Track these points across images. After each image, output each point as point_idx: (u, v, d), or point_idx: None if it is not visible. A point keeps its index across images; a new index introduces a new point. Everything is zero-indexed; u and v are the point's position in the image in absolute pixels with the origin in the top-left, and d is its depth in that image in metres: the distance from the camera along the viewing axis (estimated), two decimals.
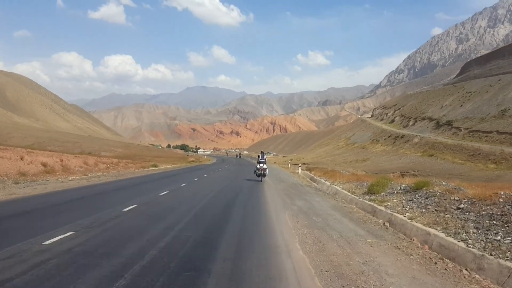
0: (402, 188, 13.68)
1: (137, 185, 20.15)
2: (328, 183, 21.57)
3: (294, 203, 14.01)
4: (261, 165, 24.52)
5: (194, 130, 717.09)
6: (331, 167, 72.65)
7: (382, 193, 13.87)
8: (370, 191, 14.65)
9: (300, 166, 37.03)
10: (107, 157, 48.32)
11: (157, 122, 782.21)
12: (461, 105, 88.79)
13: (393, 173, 59.35)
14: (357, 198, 14.42)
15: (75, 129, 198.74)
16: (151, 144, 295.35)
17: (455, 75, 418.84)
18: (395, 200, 12.21)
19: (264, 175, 24.59)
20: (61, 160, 24.78)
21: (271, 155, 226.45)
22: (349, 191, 16.84)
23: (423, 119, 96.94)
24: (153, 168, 35.24)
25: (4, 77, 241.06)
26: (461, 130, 75.70)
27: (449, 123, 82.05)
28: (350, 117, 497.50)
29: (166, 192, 16.14)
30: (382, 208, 11.44)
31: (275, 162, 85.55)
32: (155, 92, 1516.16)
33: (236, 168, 47.42)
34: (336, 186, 19.35)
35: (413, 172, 56.95)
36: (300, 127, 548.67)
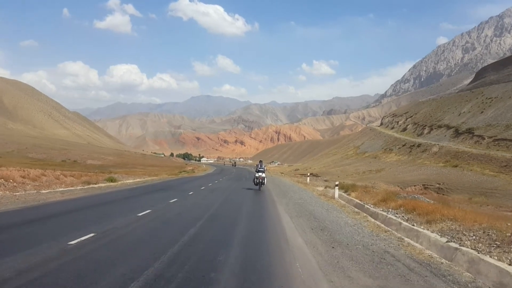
0: None
1: None
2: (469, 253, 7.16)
3: None
4: (260, 174, 24.32)
5: (198, 139, 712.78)
6: (342, 178, 66.05)
7: None
8: None
9: (337, 186, 20.90)
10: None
11: (162, 131, 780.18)
12: (481, 112, 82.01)
13: (414, 186, 52.72)
14: None
15: (73, 137, 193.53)
16: (154, 153, 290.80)
17: (461, 84, 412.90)
18: None
19: (262, 183, 24.46)
20: None
21: (276, 164, 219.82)
22: None
23: (440, 126, 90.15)
24: (99, 185, 21.75)
25: (3, 84, 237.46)
26: (484, 139, 68.87)
27: (470, 131, 75.24)
28: (356, 127, 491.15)
29: None
30: None
31: (282, 173, 72.07)
32: (160, 101, 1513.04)
33: (231, 185, 30.56)
34: None
35: (438, 185, 50.23)
36: (305, 136, 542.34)
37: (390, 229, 10.68)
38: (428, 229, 9.50)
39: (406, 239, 9.44)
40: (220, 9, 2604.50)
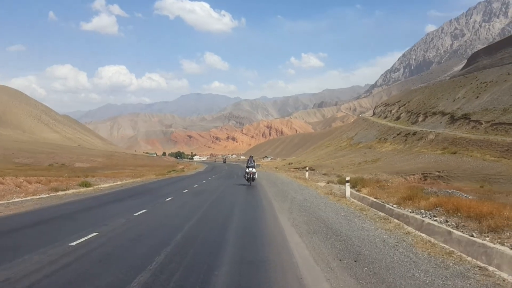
0: None
1: None
2: None
3: None
4: (250, 169, 24.70)
5: (190, 137, 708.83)
6: (337, 170, 64.35)
7: None
8: None
9: (348, 183, 16.92)
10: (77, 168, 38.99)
11: (153, 131, 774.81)
12: (477, 97, 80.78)
13: (413, 175, 51.15)
14: None
15: (64, 140, 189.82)
16: (146, 153, 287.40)
17: (452, 71, 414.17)
18: None
19: (253, 179, 24.62)
20: None
21: (269, 159, 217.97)
22: None
23: (434, 113, 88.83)
24: (66, 193, 18.19)
25: None
26: (481, 124, 67.62)
27: (466, 117, 73.94)
28: (347, 118, 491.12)
29: None
30: None
31: (276, 168, 67.62)
32: (151, 101, 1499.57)
33: (220, 184, 27.70)
34: None
35: (438, 173, 48.67)
36: (296, 130, 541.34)
37: (454, 249, 6.91)
38: (503, 243, 6.15)
39: (489, 267, 5.83)
40: (206, 5, 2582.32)
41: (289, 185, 24.80)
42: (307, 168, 37.10)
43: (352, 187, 18.12)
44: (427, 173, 49.00)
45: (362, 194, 15.96)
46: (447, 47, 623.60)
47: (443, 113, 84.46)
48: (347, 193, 16.33)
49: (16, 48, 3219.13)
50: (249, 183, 24.73)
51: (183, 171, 55.60)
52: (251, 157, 26.60)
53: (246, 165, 25.73)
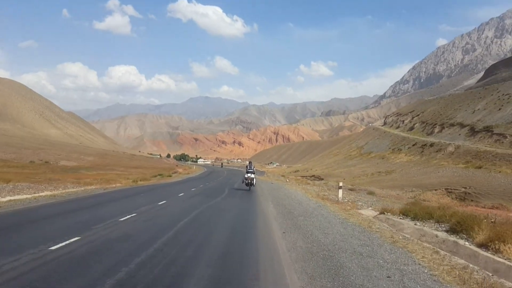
0: None
1: None
2: None
3: None
4: (249, 174, 25.37)
5: (196, 140, 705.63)
6: (350, 181, 59.29)
7: None
8: None
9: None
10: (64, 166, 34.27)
11: (160, 132, 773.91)
12: (499, 109, 75.47)
13: (435, 189, 45.97)
14: None
15: (65, 137, 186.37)
16: (150, 154, 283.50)
17: (462, 85, 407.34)
18: None
19: (252, 184, 25.50)
20: None
21: (274, 165, 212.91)
22: None
23: (452, 125, 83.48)
24: None
25: None
26: (506, 137, 62.27)
27: (488, 129, 68.61)
28: (355, 127, 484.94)
29: None
30: None
31: (283, 177, 59.23)
32: (159, 103, 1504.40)
33: (187, 208, 15.03)
34: None
35: (464, 189, 43.40)
36: (303, 137, 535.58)
37: None
38: None
39: None
40: (218, 10, 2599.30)
41: (321, 220, 12.85)
42: (340, 184, 20.84)
43: (451, 231, 9.75)
44: (451, 189, 43.79)
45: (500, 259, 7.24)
46: (458, 61, 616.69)
47: (462, 125, 79.16)
48: None
49: (28, 44, 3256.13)
50: (248, 188, 25.67)
51: (170, 176, 47.11)
52: (250, 162, 27.49)
53: (245, 171, 26.56)
